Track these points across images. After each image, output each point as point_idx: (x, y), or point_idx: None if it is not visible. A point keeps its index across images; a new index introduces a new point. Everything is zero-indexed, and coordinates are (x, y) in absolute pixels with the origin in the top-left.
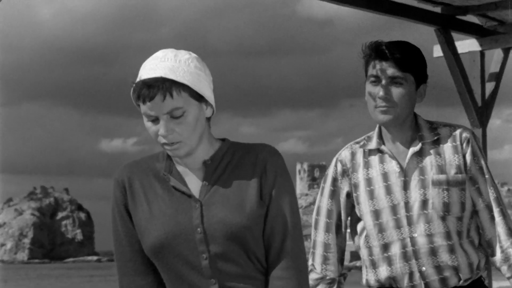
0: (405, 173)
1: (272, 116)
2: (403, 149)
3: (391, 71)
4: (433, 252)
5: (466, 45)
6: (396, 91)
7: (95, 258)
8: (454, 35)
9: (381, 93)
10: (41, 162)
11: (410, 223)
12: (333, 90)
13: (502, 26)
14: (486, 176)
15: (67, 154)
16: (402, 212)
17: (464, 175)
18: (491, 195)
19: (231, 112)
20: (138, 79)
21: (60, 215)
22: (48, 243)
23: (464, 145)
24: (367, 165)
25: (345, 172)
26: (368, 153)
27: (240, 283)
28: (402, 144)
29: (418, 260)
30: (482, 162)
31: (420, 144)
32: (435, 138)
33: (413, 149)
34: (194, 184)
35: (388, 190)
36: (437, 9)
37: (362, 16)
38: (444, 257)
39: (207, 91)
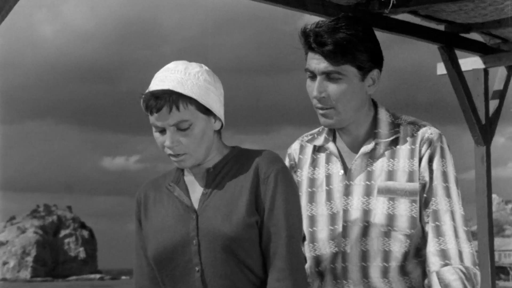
0: (348, 177)
1: (274, 133)
2: (354, 147)
3: (323, 65)
4: (365, 273)
5: (470, 63)
6: (333, 88)
7: (98, 276)
8: (458, 53)
9: (314, 92)
10: (43, 180)
11: (345, 235)
12: None
13: (505, 44)
14: (444, 185)
15: (70, 172)
16: (340, 223)
17: (417, 184)
18: (443, 206)
19: (232, 130)
20: (148, 90)
21: (63, 233)
22: (51, 261)
23: (424, 147)
24: (314, 163)
25: (292, 168)
26: (317, 149)
27: None
28: (354, 142)
29: (348, 280)
30: (442, 168)
31: (373, 143)
32: (393, 137)
33: (364, 149)
34: (197, 193)
35: (329, 196)
36: (441, 27)
37: None
38: (377, 282)
39: (215, 105)
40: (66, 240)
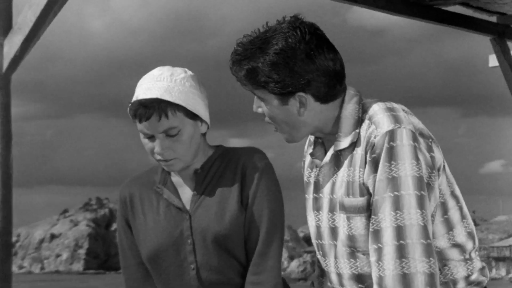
0: (316, 188)
1: None
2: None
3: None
4: None
5: None
6: (264, 109)
7: None
8: (510, 44)
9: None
10: (95, 173)
11: (324, 254)
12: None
13: None
14: (390, 195)
15: (120, 165)
16: (316, 239)
17: (367, 197)
18: (386, 223)
19: None
20: (134, 98)
21: (114, 226)
22: (103, 254)
23: (368, 154)
24: (311, 165)
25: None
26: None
27: None
28: (328, 144)
29: None
30: (388, 175)
31: (332, 150)
32: (350, 140)
33: (326, 157)
34: (187, 194)
35: (309, 206)
36: (493, 19)
37: (414, 26)
38: None
39: (201, 109)
40: None
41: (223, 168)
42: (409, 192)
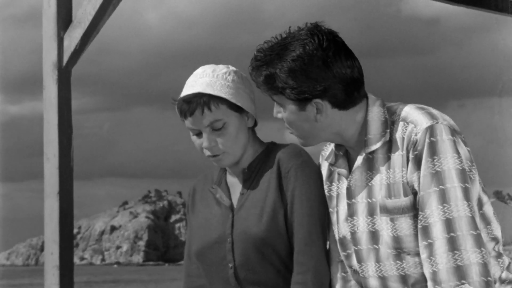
0: (349, 194)
1: None
2: (353, 157)
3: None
4: None
5: None
6: (283, 115)
7: None
8: None
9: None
10: (153, 166)
11: (359, 260)
12: (440, 90)
13: None
14: (436, 189)
15: (179, 158)
16: (350, 247)
17: (410, 197)
18: (434, 218)
19: None
20: (179, 97)
21: (173, 218)
22: (162, 245)
23: (410, 152)
24: (330, 178)
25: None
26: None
27: None
28: (352, 151)
29: None
30: (432, 170)
31: (363, 154)
32: (382, 141)
33: (357, 162)
34: (237, 194)
35: (338, 217)
36: None
37: (471, 15)
38: None
39: (246, 102)
40: (177, 225)
41: (264, 166)
42: (454, 184)
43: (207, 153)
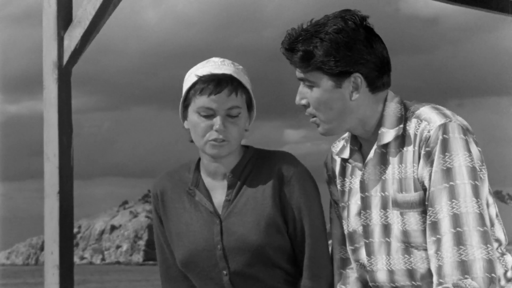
0: (363, 188)
1: None
2: (366, 152)
3: (297, 72)
4: None
5: None
6: (310, 96)
7: None
8: None
9: (296, 98)
10: (152, 165)
11: (369, 253)
12: (439, 89)
13: None
14: (445, 185)
15: (177, 157)
16: (360, 240)
17: (420, 193)
18: (443, 214)
19: None
20: (202, 73)
21: None
22: None
23: (422, 149)
24: (343, 173)
25: (330, 179)
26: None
27: None
28: (367, 145)
29: None
30: (443, 166)
31: (375, 148)
32: (394, 136)
33: (370, 155)
34: (218, 198)
35: (348, 212)
36: None
37: (470, 14)
38: None
39: (254, 103)
40: None
41: (256, 173)
42: (464, 181)
43: (212, 136)
